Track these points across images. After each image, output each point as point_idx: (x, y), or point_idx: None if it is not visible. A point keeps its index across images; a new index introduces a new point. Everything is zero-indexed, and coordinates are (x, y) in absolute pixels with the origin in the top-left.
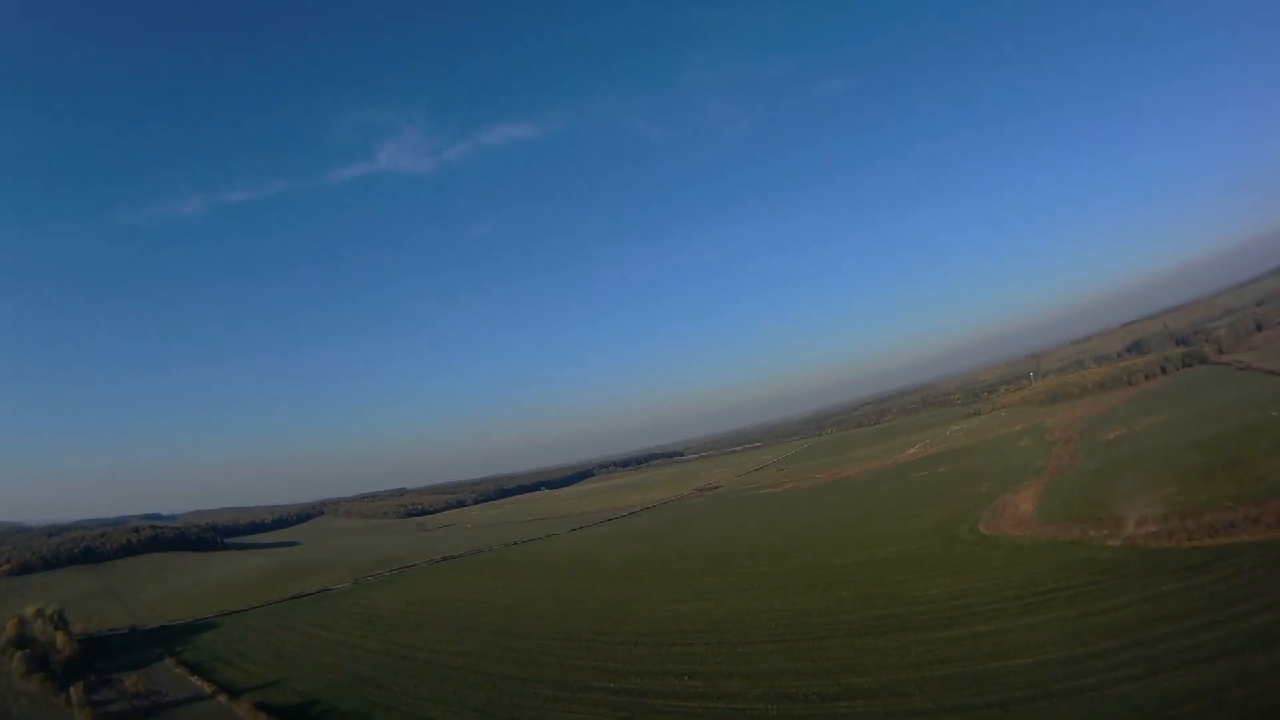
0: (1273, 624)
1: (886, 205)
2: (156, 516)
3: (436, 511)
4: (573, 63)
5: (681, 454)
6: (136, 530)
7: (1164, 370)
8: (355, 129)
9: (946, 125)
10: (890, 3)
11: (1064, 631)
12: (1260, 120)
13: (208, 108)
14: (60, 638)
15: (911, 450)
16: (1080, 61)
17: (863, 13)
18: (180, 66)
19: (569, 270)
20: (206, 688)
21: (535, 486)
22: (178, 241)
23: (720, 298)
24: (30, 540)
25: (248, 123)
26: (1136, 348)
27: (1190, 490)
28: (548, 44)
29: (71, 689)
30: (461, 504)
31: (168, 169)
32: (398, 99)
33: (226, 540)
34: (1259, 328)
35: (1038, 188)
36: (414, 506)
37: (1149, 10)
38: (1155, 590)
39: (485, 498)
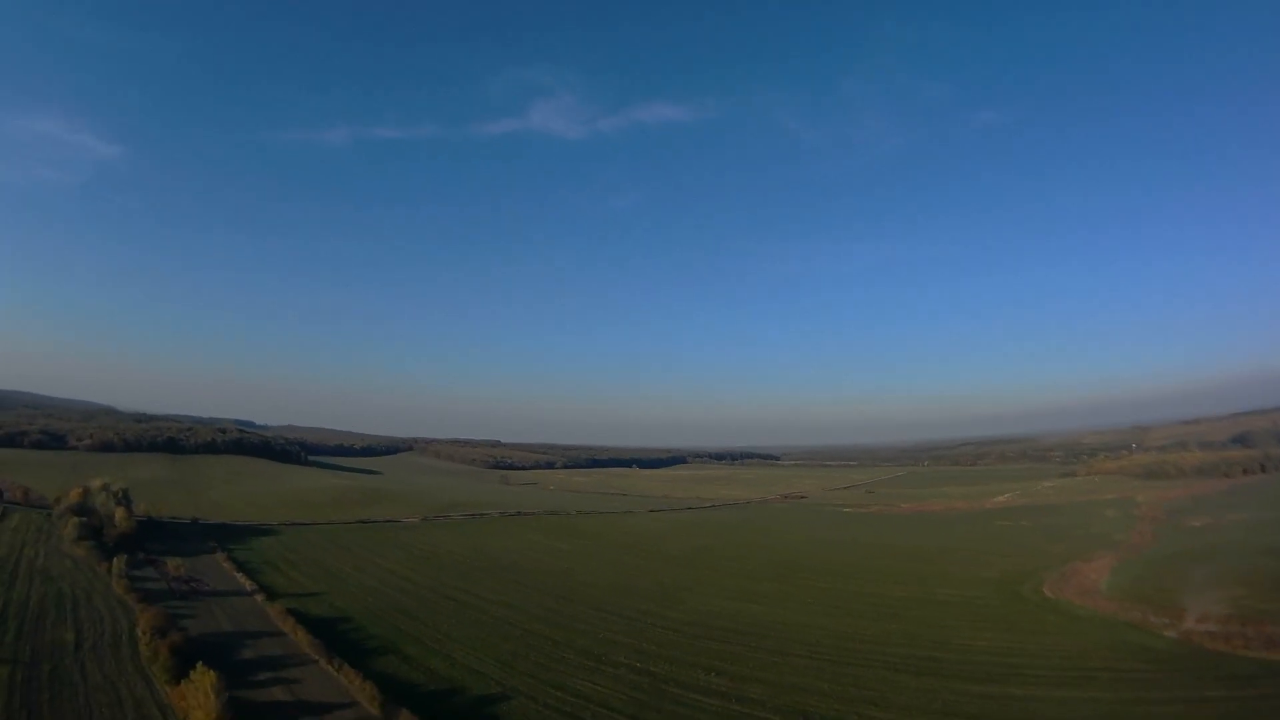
0: None
1: (1031, 249)
2: (250, 424)
3: (524, 468)
4: (735, 52)
5: (777, 458)
6: (223, 430)
7: (1263, 469)
8: (512, 85)
9: (1108, 175)
10: (1058, 39)
11: (1097, 714)
12: None
13: (368, 42)
14: (120, 513)
15: (1001, 498)
16: (1250, 125)
17: (1028, 47)
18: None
19: (701, 257)
20: (247, 585)
21: (626, 463)
22: (320, 167)
23: (845, 312)
24: (117, 422)
25: (406, 63)
26: (1241, 440)
27: (1258, 596)
28: (713, 29)
29: (115, 559)
30: (550, 465)
31: (322, 97)
32: (558, 61)
33: (311, 457)
34: None
35: (1188, 255)
36: (503, 459)
37: None
38: (1199, 694)
39: (574, 464)
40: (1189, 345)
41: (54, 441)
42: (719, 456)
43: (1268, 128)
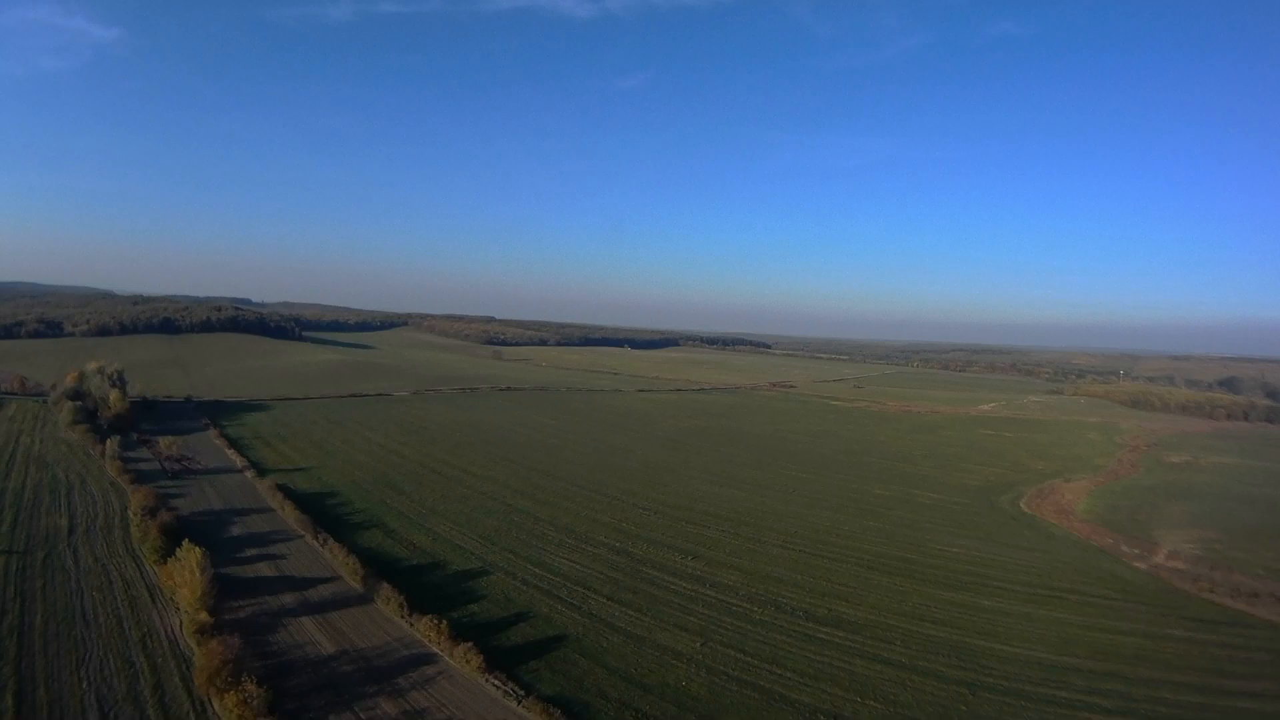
0: (1259, 715)
1: (1038, 163)
2: (246, 302)
3: (517, 345)
4: None
5: (769, 347)
6: (218, 309)
7: (1247, 416)
8: None
9: (1124, 87)
10: None
11: (1059, 635)
12: None
13: None
14: (114, 396)
15: (986, 407)
16: None
17: None
18: None
19: (709, 143)
20: (238, 461)
21: (619, 343)
22: (322, 44)
23: (853, 204)
24: (113, 305)
25: None
26: (1228, 384)
27: (1229, 543)
28: None
29: (109, 441)
30: (543, 343)
31: None
32: None
33: (305, 333)
34: None
35: (1196, 190)
36: (496, 335)
37: None
38: (1160, 630)
39: (567, 342)
40: (1188, 281)
41: (50, 330)
42: (711, 341)
43: None
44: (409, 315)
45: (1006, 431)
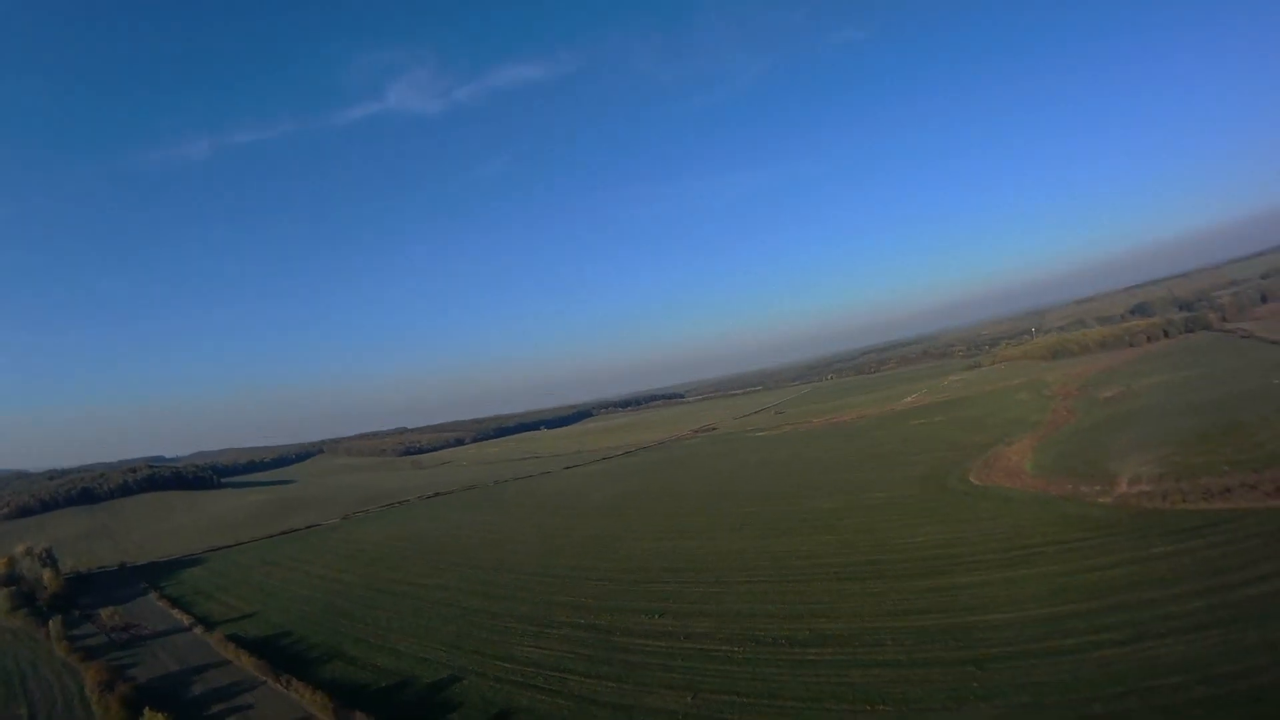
0: (1268, 596)
1: (896, 156)
2: (160, 459)
3: (434, 449)
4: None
5: (682, 396)
6: (133, 470)
7: (1166, 334)
8: (365, 68)
9: (960, 80)
10: None
11: (1047, 589)
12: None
13: (213, 46)
14: (47, 575)
15: (909, 399)
16: (1098, 25)
17: None
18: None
19: (575, 210)
20: (184, 620)
21: (534, 426)
22: (185, 184)
23: (728, 241)
24: (31, 484)
25: (255, 62)
26: (1140, 310)
27: (1187, 452)
28: None
29: (50, 623)
30: (460, 442)
31: (175, 112)
32: (407, 37)
33: (224, 479)
34: (1264, 299)
35: (1049, 146)
36: (412, 444)
37: None
38: (1145, 552)
39: (483, 436)
40: (1073, 226)
41: None
42: (624, 404)
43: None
44: (323, 442)
45: (936, 416)
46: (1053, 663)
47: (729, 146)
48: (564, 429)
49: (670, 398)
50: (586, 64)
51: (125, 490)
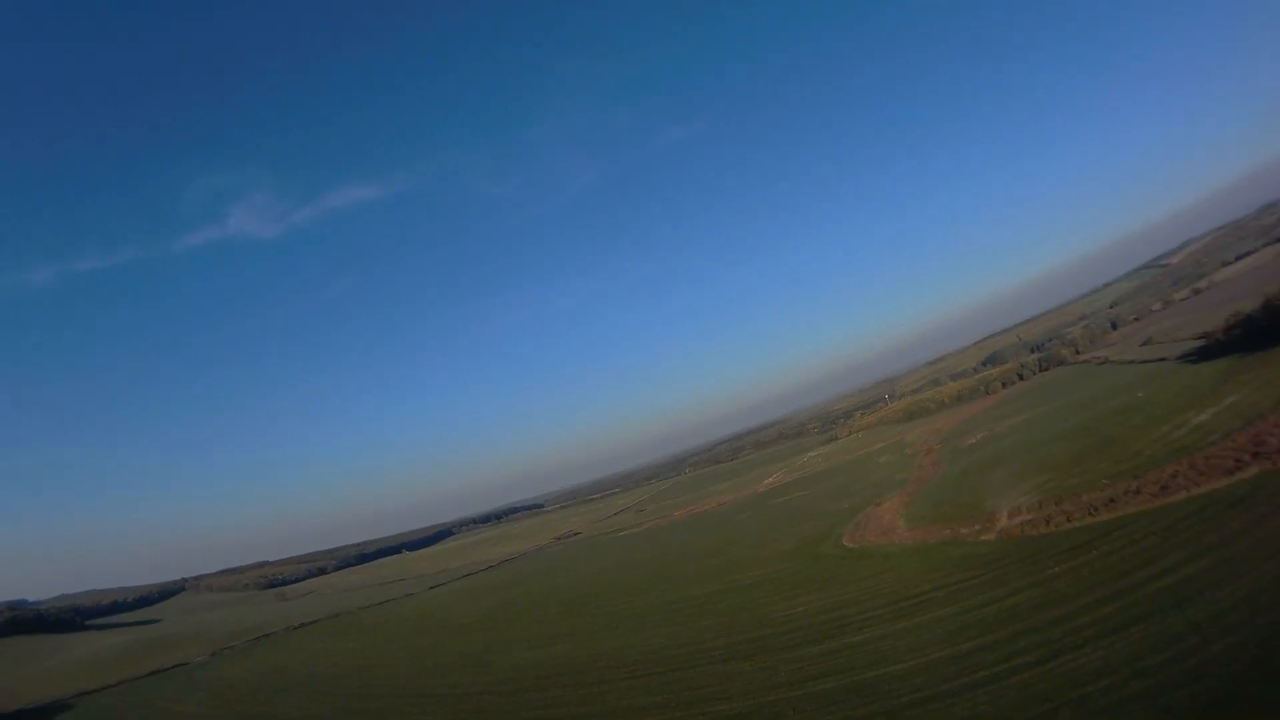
0: (1180, 584)
1: (729, 248)
2: (23, 602)
3: (297, 580)
4: (414, 123)
5: (542, 506)
6: None
7: (1021, 377)
8: (204, 193)
9: (785, 169)
10: (726, 52)
11: (945, 630)
12: (1098, 133)
13: (53, 170)
14: None
15: (770, 480)
16: (906, 92)
17: (702, 62)
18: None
19: (420, 331)
20: None
21: (396, 549)
22: (28, 314)
23: (575, 346)
24: None
25: (95, 186)
26: (992, 360)
27: (1063, 476)
28: (389, 104)
29: None
30: (323, 571)
31: (13, 237)
32: (247, 159)
33: (88, 621)
34: (1114, 326)
35: (877, 222)
36: (275, 577)
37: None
38: (1040, 575)
39: (346, 563)
40: (913, 293)
41: None
42: (486, 519)
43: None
44: (185, 580)
45: (799, 491)
46: (969, 697)
47: (565, 253)
48: (427, 549)
49: (531, 508)
50: (421, 183)
51: None
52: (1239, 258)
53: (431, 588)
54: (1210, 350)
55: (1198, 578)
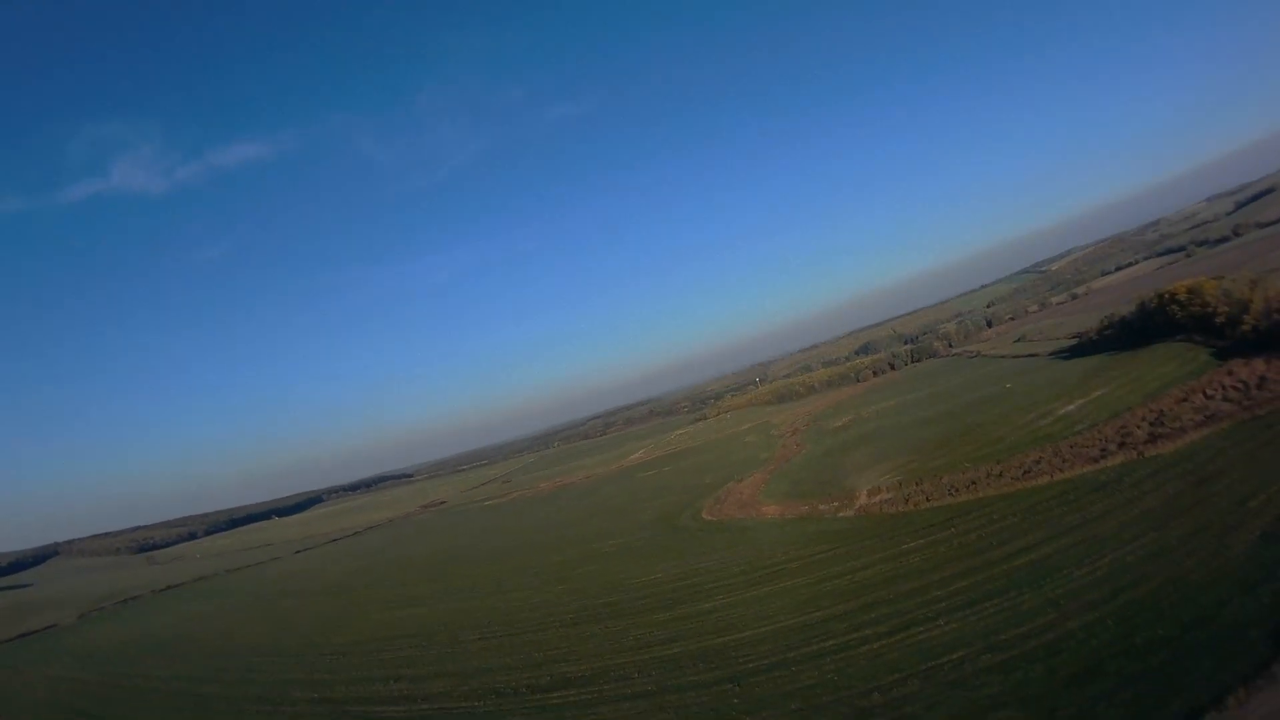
0: (1037, 562)
1: (610, 228)
2: None
3: (168, 545)
4: (304, 80)
5: (411, 475)
6: None
7: (893, 366)
8: (89, 143)
9: (672, 152)
10: (621, 32)
11: (797, 600)
12: (1002, 131)
13: None
14: None
15: (636, 455)
16: (788, 72)
17: (595, 41)
18: None
19: (298, 293)
20: None
21: (266, 515)
22: None
23: (454, 317)
24: None
25: None
26: (865, 349)
27: (925, 458)
28: (280, 60)
29: None
30: (193, 536)
31: None
32: (134, 110)
33: None
34: (989, 324)
35: (762, 196)
36: (146, 541)
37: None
38: (895, 550)
39: (216, 528)
40: (791, 282)
41: None
42: (353, 487)
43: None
44: (57, 544)
45: (664, 467)
46: (816, 665)
47: (451, 224)
48: (296, 516)
49: (400, 477)
50: (307, 144)
51: None
52: (1119, 268)
53: (297, 552)
54: (1083, 348)
55: (1057, 556)
